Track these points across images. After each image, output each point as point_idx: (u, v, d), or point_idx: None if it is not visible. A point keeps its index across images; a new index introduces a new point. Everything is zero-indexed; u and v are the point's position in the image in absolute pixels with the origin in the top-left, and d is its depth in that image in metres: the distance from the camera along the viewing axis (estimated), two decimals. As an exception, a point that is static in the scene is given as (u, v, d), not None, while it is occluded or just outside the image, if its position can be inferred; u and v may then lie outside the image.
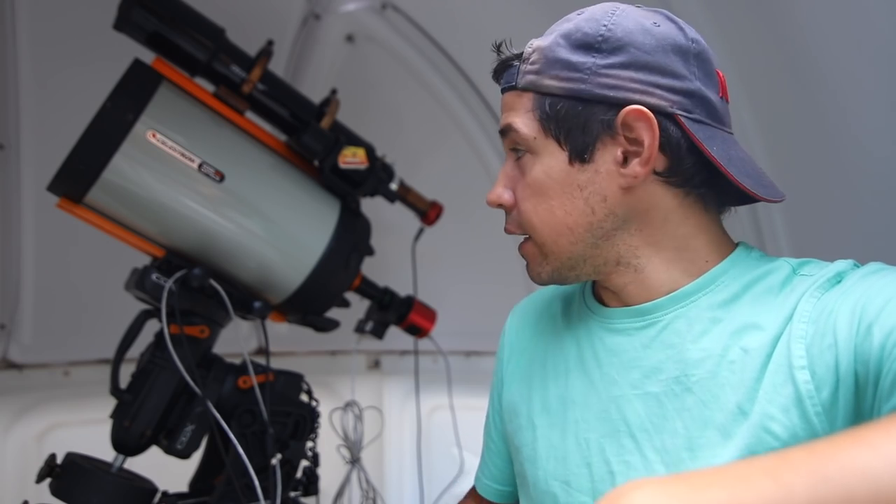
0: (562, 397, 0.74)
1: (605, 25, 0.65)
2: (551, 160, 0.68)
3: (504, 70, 0.72)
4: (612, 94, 0.64)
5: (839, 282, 0.60)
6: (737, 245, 0.71)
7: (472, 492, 0.95)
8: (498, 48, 0.73)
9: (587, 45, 0.65)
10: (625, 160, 0.65)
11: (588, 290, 0.79)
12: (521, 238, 0.75)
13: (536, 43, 0.69)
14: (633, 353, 0.68)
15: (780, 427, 0.56)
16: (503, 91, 0.72)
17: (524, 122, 0.68)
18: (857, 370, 0.52)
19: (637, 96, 0.63)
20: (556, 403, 0.74)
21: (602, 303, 0.76)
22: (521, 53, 0.70)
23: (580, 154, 0.66)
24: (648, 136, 0.63)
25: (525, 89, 0.69)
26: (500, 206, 0.74)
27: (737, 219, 1.27)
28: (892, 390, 0.48)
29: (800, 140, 1.13)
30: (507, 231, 0.75)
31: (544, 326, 0.83)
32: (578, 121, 0.65)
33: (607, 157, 0.66)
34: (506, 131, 0.70)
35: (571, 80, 0.65)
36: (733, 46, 1.15)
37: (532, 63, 0.68)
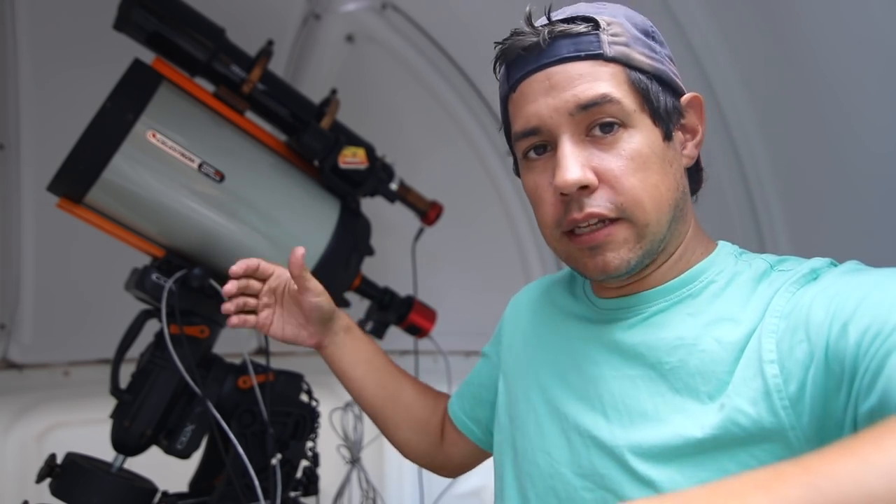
0: (551, 375, 0.77)
1: (646, 18, 0.69)
2: (651, 134, 0.66)
3: (565, 37, 0.65)
4: (677, 80, 0.69)
5: (815, 279, 0.62)
6: (717, 243, 0.75)
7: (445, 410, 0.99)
8: (530, 17, 0.67)
9: (647, 32, 0.68)
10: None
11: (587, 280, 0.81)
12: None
13: (606, 17, 0.66)
14: (616, 338, 0.71)
15: (748, 419, 0.57)
16: (565, 60, 0.65)
17: (623, 94, 0.64)
18: (831, 367, 0.53)
19: (682, 86, 0.70)
20: (547, 381, 0.77)
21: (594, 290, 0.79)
22: (592, 22, 0.66)
23: (668, 131, 0.68)
24: (702, 121, 0.71)
25: (614, 59, 0.65)
26: (583, 188, 0.65)
27: (737, 219, 1.28)
28: (871, 389, 0.48)
29: (800, 139, 1.13)
30: (591, 216, 0.65)
31: (543, 310, 0.85)
32: (663, 99, 0.67)
33: (677, 137, 0.70)
34: (597, 102, 0.63)
35: (655, 60, 0.67)
36: (733, 46, 1.15)
37: (616, 35, 0.65)
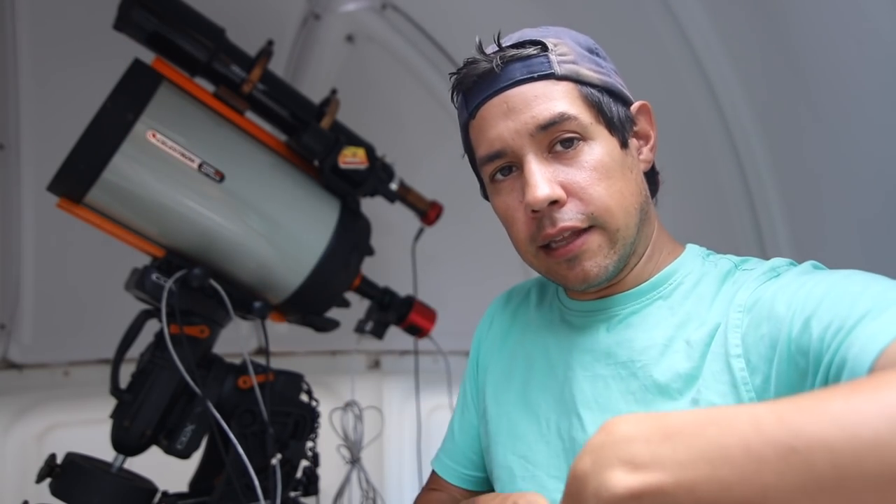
0: (526, 380, 0.79)
1: (588, 37, 0.73)
2: (609, 144, 0.68)
3: (516, 61, 0.67)
4: (625, 91, 0.72)
5: (776, 276, 0.64)
6: (685, 246, 0.77)
7: (434, 477, 0.97)
8: (481, 45, 0.70)
9: (591, 49, 0.72)
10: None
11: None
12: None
13: (552, 39, 0.69)
14: (589, 339, 0.73)
15: None
16: (519, 83, 0.67)
17: (578, 110, 0.67)
18: (796, 360, 0.55)
19: (630, 96, 0.74)
20: (521, 386, 0.80)
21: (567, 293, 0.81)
22: (540, 44, 0.68)
23: (624, 139, 0.71)
24: (653, 126, 0.74)
25: (565, 77, 0.67)
26: (553, 203, 0.67)
27: (737, 219, 1.27)
28: (838, 379, 0.50)
29: (800, 139, 1.13)
30: (564, 230, 0.67)
31: (521, 315, 0.87)
32: (615, 109, 0.70)
33: (632, 144, 0.72)
34: (556, 121, 0.66)
35: (602, 74, 0.70)
36: (733, 46, 1.15)
37: (563, 54, 0.68)
